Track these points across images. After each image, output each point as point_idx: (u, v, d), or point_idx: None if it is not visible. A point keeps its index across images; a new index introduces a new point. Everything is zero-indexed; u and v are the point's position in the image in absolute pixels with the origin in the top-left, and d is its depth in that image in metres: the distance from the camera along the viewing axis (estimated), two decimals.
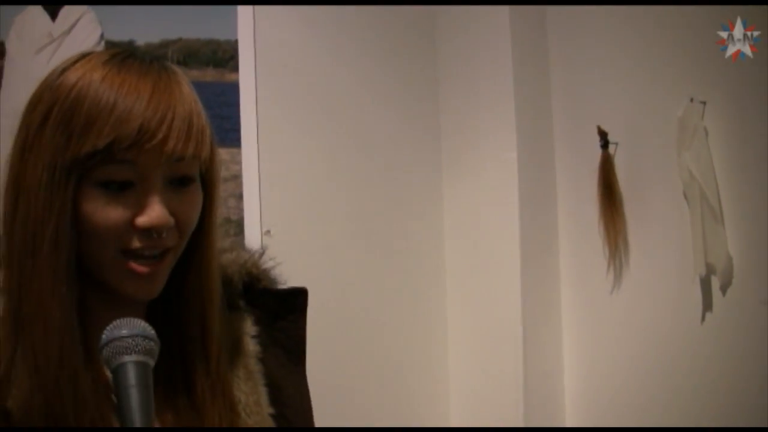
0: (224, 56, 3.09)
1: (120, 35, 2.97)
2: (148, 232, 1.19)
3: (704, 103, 2.68)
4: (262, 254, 1.40)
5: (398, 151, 3.35)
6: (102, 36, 2.95)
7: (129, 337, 1.10)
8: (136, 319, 1.13)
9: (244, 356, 1.34)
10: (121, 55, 1.23)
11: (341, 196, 3.24)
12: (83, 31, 2.95)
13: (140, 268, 1.20)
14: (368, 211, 3.29)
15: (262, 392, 1.34)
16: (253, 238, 3.00)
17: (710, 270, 2.67)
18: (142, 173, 1.18)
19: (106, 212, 1.19)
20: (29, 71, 2.83)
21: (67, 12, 2.94)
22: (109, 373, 1.11)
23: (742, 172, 2.63)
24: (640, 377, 2.92)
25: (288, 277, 1.43)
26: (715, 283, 2.68)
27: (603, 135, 2.99)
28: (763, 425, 2.55)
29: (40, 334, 1.17)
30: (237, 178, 3.05)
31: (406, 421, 3.25)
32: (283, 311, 1.40)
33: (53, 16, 2.93)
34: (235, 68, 3.09)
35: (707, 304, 2.71)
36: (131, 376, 1.08)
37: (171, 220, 1.20)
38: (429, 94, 3.41)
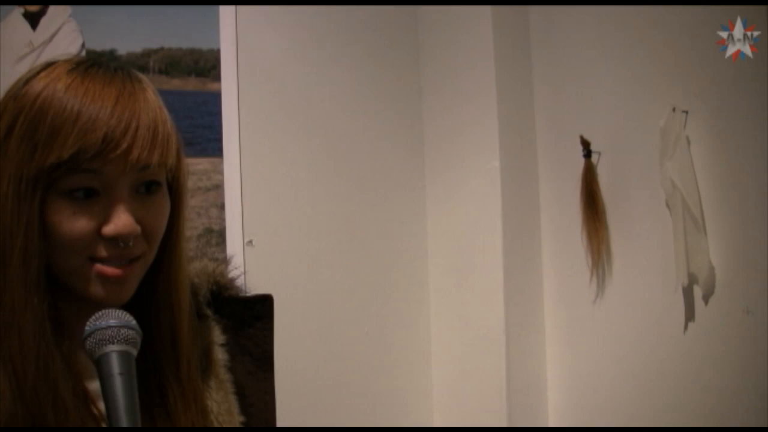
0: (206, 65, 3.08)
1: (101, 44, 2.95)
2: (114, 240, 1.20)
3: (686, 112, 2.68)
4: (228, 264, 1.43)
5: (381, 160, 3.35)
6: (83, 45, 2.94)
7: (112, 327, 1.11)
8: (117, 310, 1.14)
9: (214, 365, 1.35)
10: (86, 64, 1.24)
11: (324, 205, 3.23)
12: (64, 40, 2.93)
13: (108, 270, 1.21)
14: (351, 221, 3.28)
15: (233, 400, 1.36)
16: (235, 247, 2.99)
17: (693, 279, 2.67)
18: (107, 182, 1.19)
19: (72, 222, 1.19)
20: (9, 81, 2.81)
21: (48, 21, 2.93)
22: (93, 367, 1.12)
23: (724, 181, 2.63)
24: (623, 386, 2.92)
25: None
26: (698, 292, 2.68)
27: (586, 144, 2.99)
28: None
29: (15, 346, 1.17)
30: (219, 187, 3.04)
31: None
32: (250, 318, 1.42)
33: (34, 25, 2.92)
34: (218, 77, 3.08)
35: (690, 314, 2.71)
36: (115, 364, 1.09)
37: (137, 229, 1.20)
38: (412, 103, 3.41)
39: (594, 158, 2.99)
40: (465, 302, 3.26)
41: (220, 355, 1.37)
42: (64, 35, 2.93)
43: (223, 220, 3.04)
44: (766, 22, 2.50)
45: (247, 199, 3.08)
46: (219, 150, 3.05)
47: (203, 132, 3.01)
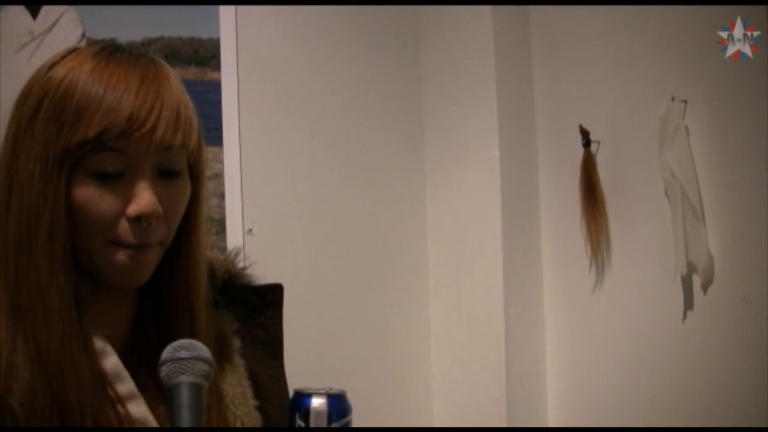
0: (206, 54, 3.08)
1: (101, 33, 2.96)
2: (137, 220, 1.21)
3: (685, 101, 2.68)
4: (237, 254, 1.44)
5: (381, 149, 3.35)
6: (83, 34, 2.94)
7: (188, 359, 1.13)
8: (196, 342, 1.16)
9: (228, 350, 1.36)
10: (109, 49, 1.26)
11: (324, 194, 3.24)
12: (64, 30, 2.93)
13: (131, 253, 1.22)
14: (351, 210, 3.28)
15: (247, 385, 1.36)
16: (235, 236, 3.00)
17: (691, 268, 2.67)
18: (131, 162, 1.21)
19: (97, 202, 1.21)
20: (10, 69, 2.82)
21: (48, 10, 2.93)
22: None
23: (723, 170, 2.64)
24: (622, 375, 2.93)
25: (270, 276, 1.46)
26: (697, 281, 2.68)
27: (585, 134, 2.99)
28: (743, 424, 2.57)
29: (40, 324, 1.19)
30: (219, 176, 3.05)
31: (388, 420, 3.25)
32: (261, 307, 1.44)
33: (34, 14, 2.92)
34: (217, 67, 3.08)
35: (688, 303, 2.72)
36: (185, 396, 1.11)
37: (160, 209, 1.22)
38: (411, 93, 3.41)
39: (593, 148, 3.00)
40: (464, 292, 3.26)
41: (234, 342, 1.38)
42: (64, 24, 2.94)
43: (223, 209, 3.04)
44: (765, 19, 2.50)
45: (246, 188, 3.09)
46: (219, 139, 3.05)
47: (203, 121, 2.95)
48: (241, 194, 3.08)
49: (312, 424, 1.25)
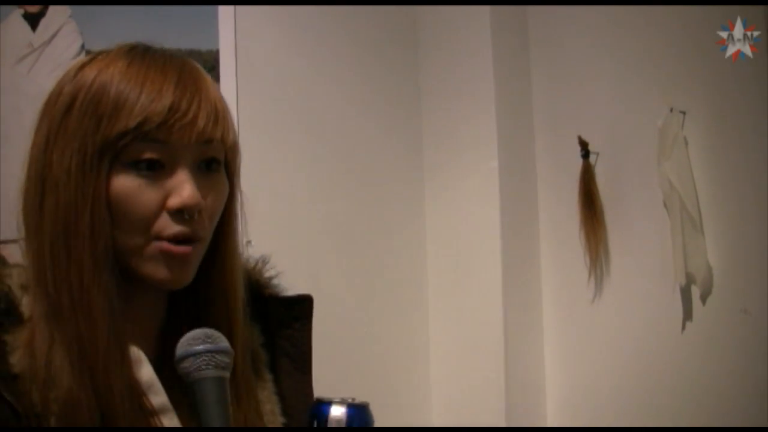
0: (205, 66, 3.06)
1: (101, 45, 2.93)
2: (180, 213, 1.18)
3: (684, 113, 2.69)
4: (266, 263, 1.41)
5: (380, 160, 3.35)
6: (83, 46, 2.95)
7: (207, 352, 1.11)
8: (208, 330, 1.14)
9: (257, 363, 1.34)
10: (142, 47, 1.25)
11: (323, 206, 3.24)
12: (64, 41, 2.94)
13: (175, 248, 1.19)
14: (350, 221, 3.28)
15: (275, 401, 1.34)
16: None
17: (690, 279, 2.67)
18: (172, 153, 1.19)
19: (138, 195, 1.18)
20: (9, 82, 2.83)
21: (48, 22, 2.93)
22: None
23: (722, 181, 2.64)
24: (621, 386, 2.93)
25: (281, 274, 1.42)
26: (695, 292, 2.68)
27: (584, 145, 2.99)
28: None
29: (84, 327, 1.16)
30: None
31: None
32: (289, 319, 1.40)
33: (33, 26, 2.92)
34: (216, 78, 3.08)
35: (687, 313, 2.72)
36: (211, 392, 1.10)
37: (203, 201, 1.19)
38: (411, 104, 3.41)
39: (592, 159, 3.00)
40: (463, 302, 3.26)
41: (262, 354, 1.35)
42: (63, 36, 2.94)
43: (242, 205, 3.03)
44: (765, 23, 2.50)
45: (246, 200, 3.08)
46: None
47: None
48: (240, 206, 3.07)
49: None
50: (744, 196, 2.59)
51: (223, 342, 1.13)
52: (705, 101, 2.67)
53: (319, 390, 3.03)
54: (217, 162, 1.23)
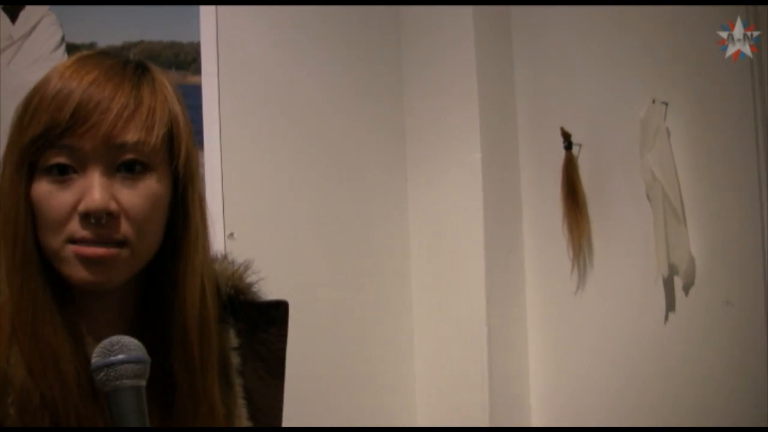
0: (186, 59, 3.07)
1: (81, 38, 2.94)
2: (87, 218, 1.18)
3: (666, 104, 2.69)
4: (247, 267, 1.40)
5: (362, 152, 3.35)
6: (63, 38, 2.93)
7: (122, 363, 1.10)
8: (127, 338, 1.13)
9: (226, 368, 1.33)
10: (95, 52, 1.26)
11: (305, 198, 3.23)
12: (44, 34, 2.92)
13: (86, 249, 1.19)
14: (333, 213, 3.28)
15: (241, 405, 1.34)
16: (216, 240, 2.98)
17: (673, 270, 2.68)
18: (81, 159, 1.19)
19: (50, 200, 1.19)
20: None
21: (28, 14, 2.91)
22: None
23: (704, 172, 2.64)
24: (604, 377, 2.93)
25: (262, 280, 1.41)
26: (678, 283, 2.69)
27: (566, 136, 2.99)
28: (725, 424, 2.57)
29: (26, 331, 1.19)
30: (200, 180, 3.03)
31: (371, 421, 3.25)
32: (264, 323, 1.40)
33: (13, 18, 2.90)
34: (198, 71, 3.07)
35: (670, 305, 2.72)
36: (127, 403, 1.10)
37: (110, 205, 1.18)
38: (393, 96, 3.41)
39: (575, 150, 3.00)
40: (447, 294, 3.26)
41: (233, 359, 1.35)
42: (43, 28, 2.92)
43: (203, 212, 3.02)
44: (745, 14, 2.50)
45: (228, 192, 3.08)
46: (200, 143, 3.04)
47: None
48: (222, 198, 3.07)
49: None
50: (726, 187, 2.59)
51: (138, 352, 1.12)
52: (687, 92, 2.67)
53: (304, 378, 3.04)
54: (140, 164, 1.21)
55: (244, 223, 3.09)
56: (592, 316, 2.98)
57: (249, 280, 1.39)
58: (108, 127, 1.17)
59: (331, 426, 3.10)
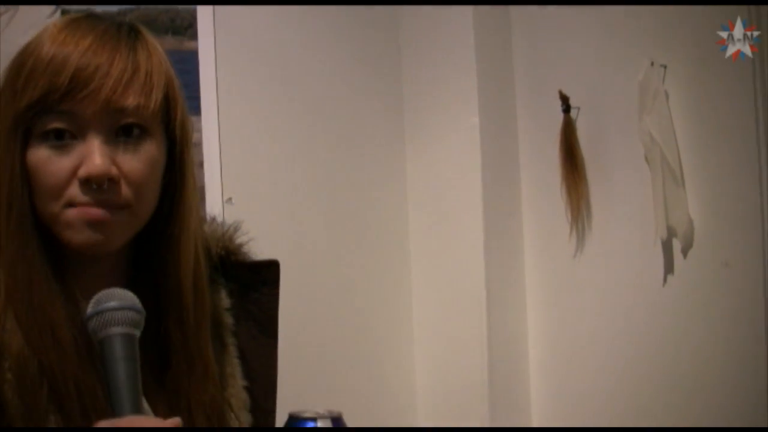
0: (183, 24, 3.06)
1: (76, 4, 2.92)
2: (88, 183, 1.18)
3: (665, 66, 2.68)
4: (237, 228, 1.39)
5: (360, 118, 3.34)
6: (58, 5, 2.91)
7: (115, 309, 1.10)
8: (120, 290, 1.14)
9: (219, 328, 1.34)
10: (84, 15, 1.24)
11: (303, 163, 3.22)
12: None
13: (91, 211, 1.19)
14: (330, 178, 3.27)
15: (236, 364, 1.34)
16: (214, 206, 2.98)
17: (671, 233, 2.68)
18: (81, 125, 1.18)
19: (48, 166, 1.19)
20: None
21: None
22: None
23: (702, 135, 2.64)
24: (602, 339, 2.94)
25: (249, 244, 1.42)
26: (677, 245, 2.69)
27: (564, 99, 2.99)
28: (721, 385, 2.59)
29: (21, 295, 1.18)
30: (197, 145, 3.02)
31: (370, 385, 3.26)
32: (256, 283, 1.39)
33: None
34: (194, 36, 3.06)
35: (669, 267, 2.73)
36: (118, 348, 1.09)
37: (111, 170, 1.18)
38: (391, 61, 3.40)
39: (573, 113, 2.99)
40: (445, 258, 3.26)
41: (226, 319, 1.35)
42: None
43: (202, 178, 3.02)
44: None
45: (225, 157, 3.07)
46: (197, 108, 3.03)
47: None
48: (220, 163, 3.06)
49: None
50: (725, 149, 2.59)
51: (132, 300, 1.13)
52: (686, 55, 2.67)
53: (303, 341, 3.03)
54: (139, 128, 1.21)
55: (242, 188, 3.09)
56: (590, 279, 2.99)
57: (239, 241, 1.39)
58: (108, 91, 1.17)
59: (327, 394, 3.11)
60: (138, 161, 1.21)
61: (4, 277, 1.19)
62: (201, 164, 3.03)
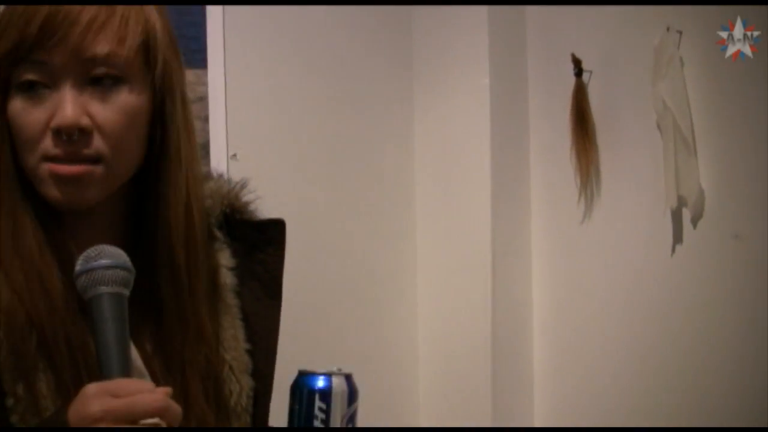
0: None
1: None
2: (59, 134, 1.16)
3: (680, 32, 2.65)
4: (243, 186, 1.36)
5: (369, 76, 3.31)
6: None
7: (104, 267, 1.08)
8: (110, 247, 1.11)
9: (221, 289, 1.31)
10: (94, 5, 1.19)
11: (310, 120, 3.19)
12: None
13: (59, 168, 1.17)
14: (337, 136, 3.25)
15: (239, 326, 1.31)
16: (219, 161, 2.96)
17: (682, 202, 2.66)
18: (53, 74, 1.16)
19: (23, 116, 1.17)
20: None
21: None
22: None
23: (716, 104, 2.62)
24: (608, 307, 2.93)
25: (259, 198, 1.39)
26: (687, 215, 2.67)
27: (577, 63, 2.95)
28: (729, 358, 2.58)
29: (8, 248, 1.17)
30: (203, 99, 3.00)
31: (373, 349, 3.25)
32: (262, 243, 1.37)
33: None
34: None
35: (678, 237, 2.71)
36: (107, 308, 1.07)
37: (82, 121, 1.16)
38: (401, 20, 3.36)
39: (585, 77, 2.96)
40: (451, 221, 3.25)
41: (229, 279, 1.32)
42: None
43: (207, 133, 3.00)
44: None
45: (231, 112, 3.05)
46: (203, 61, 3.00)
47: (187, 43, 2.95)
48: (225, 118, 3.03)
49: (336, 406, 1.18)
50: (739, 119, 2.57)
51: (122, 258, 1.11)
52: (702, 21, 2.63)
53: (304, 304, 3.01)
54: (113, 78, 1.18)
55: (248, 144, 3.06)
56: (597, 246, 2.97)
57: (246, 198, 1.36)
58: (77, 38, 1.14)
59: (331, 356, 3.10)
60: (112, 111, 1.18)
61: None
62: (206, 119, 3.00)
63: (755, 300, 2.50)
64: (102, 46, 1.15)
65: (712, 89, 2.62)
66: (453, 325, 3.23)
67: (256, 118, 3.11)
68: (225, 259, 1.33)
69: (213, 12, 3.02)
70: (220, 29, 3.02)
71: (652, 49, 2.66)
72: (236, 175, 1.39)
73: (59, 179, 1.17)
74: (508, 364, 3.14)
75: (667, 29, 2.65)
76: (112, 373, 1.06)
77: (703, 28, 2.63)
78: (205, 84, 3.00)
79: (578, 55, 2.95)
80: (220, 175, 1.37)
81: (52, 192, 1.18)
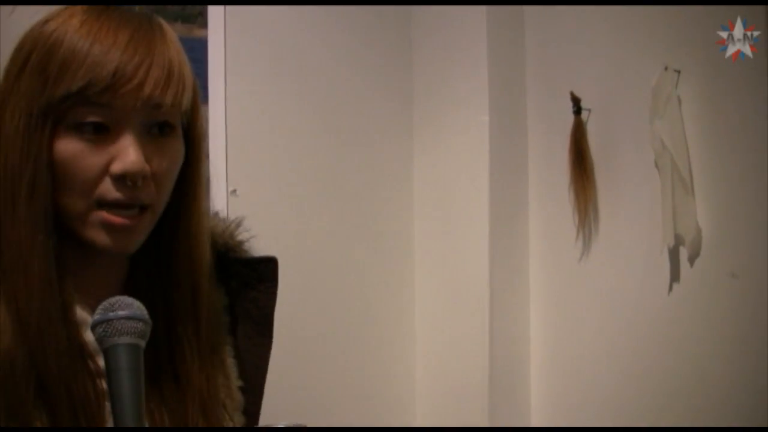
0: (193, 12, 3.04)
1: None
2: (122, 179, 1.16)
3: (678, 71, 2.66)
4: (239, 225, 1.37)
5: (369, 111, 3.32)
6: None
7: (124, 319, 1.08)
8: (129, 298, 1.11)
9: (216, 327, 1.31)
10: (103, 5, 1.21)
11: (310, 156, 3.21)
12: None
13: (115, 218, 1.17)
14: (337, 173, 3.26)
15: (232, 364, 1.32)
16: (218, 197, 2.97)
17: (679, 241, 2.66)
18: (117, 118, 1.16)
19: (80, 158, 1.16)
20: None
21: None
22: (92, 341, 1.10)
23: (714, 143, 2.62)
24: (605, 345, 2.92)
25: (254, 237, 1.39)
26: (684, 254, 2.68)
27: (576, 101, 2.97)
28: (726, 395, 2.57)
29: (20, 286, 1.16)
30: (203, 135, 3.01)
31: (372, 383, 3.25)
32: (254, 281, 1.37)
33: None
34: (204, 24, 3.04)
35: (675, 275, 2.71)
36: (123, 359, 1.07)
37: (146, 168, 1.16)
38: (402, 56, 3.38)
39: (584, 115, 2.97)
40: (450, 258, 3.25)
41: (223, 318, 1.33)
42: None
43: (207, 168, 3.00)
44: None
45: (231, 149, 3.06)
46: (204, 98, 3.01)
47: None
48: (225, 154, 3.05)
49: None
50: (736, 158, 2.57)
51: (141, 310, 1.10)
52: (700, 60, 2.64)
53: (305, 335, 3.00)
54: (170, 126, 1.20)
55: (247, 180, 3.07)
56: (595, 284, 2.97)
57: (240, 237, 1.36)
58: (152, 87, 1.15)
59: (328, 390, 3.10)
60: (167, 158, 1.20)
61: (2, 263, 1.17)
62: (207, 155, 3.00)
63: (752, 339, 2.49)
64: (169, 96, 1.17)
65: (709, 128, 2.63)
66: (451, 362, 3.23)
67: (256, 154, 3.12)
68: (219, 298, 1.33)
69: (215, 48, 3.03)
70: (221, 65, 3.04)
71: (650, 88, 2.67)
72: (236, 211, 1.40)
73: (112, 227, 1.17)
74: (506, 401, 3.13)
75: (665, 68, 2.66)
76: (126, 423, 1.06)
77: (700, 68, 2.64)
78: (205, 120, 3.01)
79: (577, 93, 2.97)
80: (216, 214, 1.37)
81: (102, 239, 1.18)
